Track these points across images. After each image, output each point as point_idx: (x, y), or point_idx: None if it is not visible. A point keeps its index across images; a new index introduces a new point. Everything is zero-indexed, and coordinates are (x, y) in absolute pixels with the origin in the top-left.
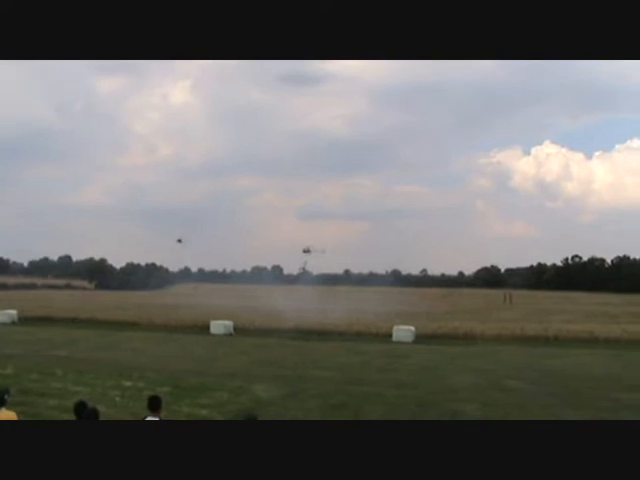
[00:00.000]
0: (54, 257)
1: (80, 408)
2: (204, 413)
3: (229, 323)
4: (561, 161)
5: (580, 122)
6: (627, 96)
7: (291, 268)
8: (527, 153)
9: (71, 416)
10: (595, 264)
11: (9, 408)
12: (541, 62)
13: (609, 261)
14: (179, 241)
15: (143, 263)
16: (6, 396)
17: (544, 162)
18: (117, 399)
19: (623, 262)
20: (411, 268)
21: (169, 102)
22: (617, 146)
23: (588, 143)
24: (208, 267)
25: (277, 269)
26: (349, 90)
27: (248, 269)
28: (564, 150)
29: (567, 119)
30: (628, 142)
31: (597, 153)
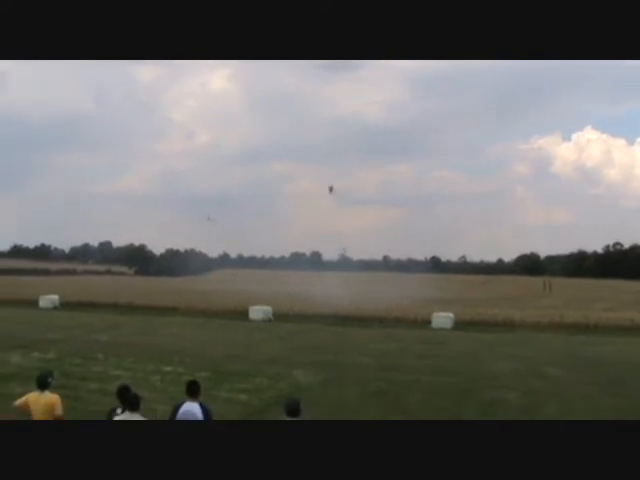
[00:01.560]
0: (94, 243)
1: (123, 392)
2: (243, 398)
3: (268, 309)
4: (602, 147)
5: (621, 107)
6: None
7: (330, 254)
8: (567, 139)
9: (112, 399)
10: (637, 251)
11: (52, 391)
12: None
13: None
14: (208, 219)
15: (182, 249)
16: (50, 379)
17: (585, 148)
18: (157, 384)
19: None
20: (450, 254)
21: (207, 90)
22: None
23: (630, 128)
24: (247, 253)
25: (316, 255)
26: (385, 76)
27: (287, 255)
28: (605, 136)
29: (607, 105)
30: None
31: (639, 139)
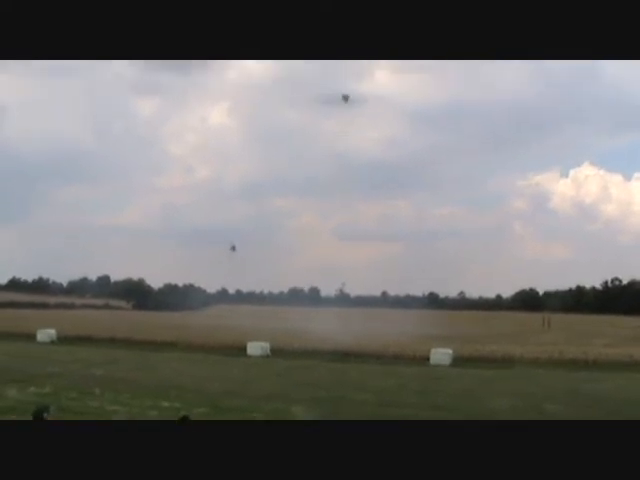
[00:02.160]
0: (93, 277)
1: None
2: None
3: (266, 345)
4: (600, 183)
5: (618, 143)
6: None
7: (328, 290)
8: (565, 175)
9: None
10: (635, 287)
11: None
12: (575, 82)
13: None
14: (232, 249)
15: (181, 284)
16: (45, 414)
17: (583, 184)
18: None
19: None
20: (448, 290)
21: (206, 124)
22: None
23: (627, 164)
24: (245, 289)
25: (314, 291)
26: (384, 111)
27: (285, 290)
28: (602, 172)
29: (605, 140)
30: None
31: (636, 174)
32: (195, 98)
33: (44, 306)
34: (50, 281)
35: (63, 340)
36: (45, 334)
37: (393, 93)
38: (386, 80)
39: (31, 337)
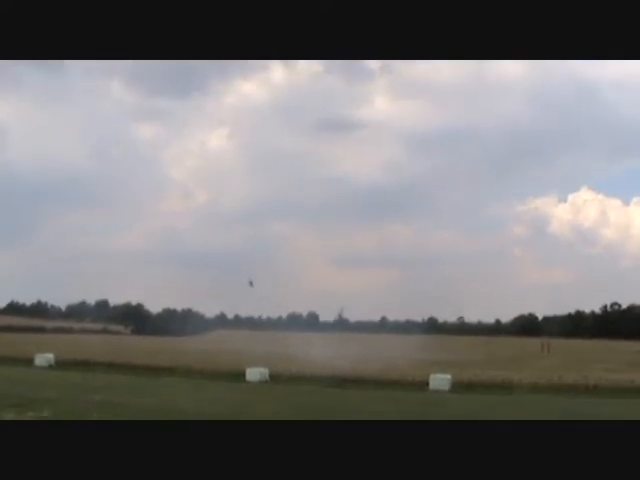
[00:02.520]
0: (91, 301)
1: None
2: None
3: (264, 370)
4: (598, 207)
5: (616, 167)
6: None
7: (327, 315)
8: (564, 200)
9: None
10: (634, 311)
11: None
12: (573, 107)
13: None
14: (250, 284)
15: (179, 309)
16: None
17: (581, 208)
18: None
19: None
20: (447, 316)
21: (205, 149)
22: None
23: (625, 189)
24: (244, 314)
25: (313, 316)
26: (383, 137)
27: (284, 316)
28: (601, 196)
29: (603, 165)
30: None
31: (635, 199)
32: (194, 123)
33: (42, 330)
34: (48, 305)
35: (61, 365)
36: (43, 358)
37: (392, 118)
38: (385, 105)
39: (29, 361)
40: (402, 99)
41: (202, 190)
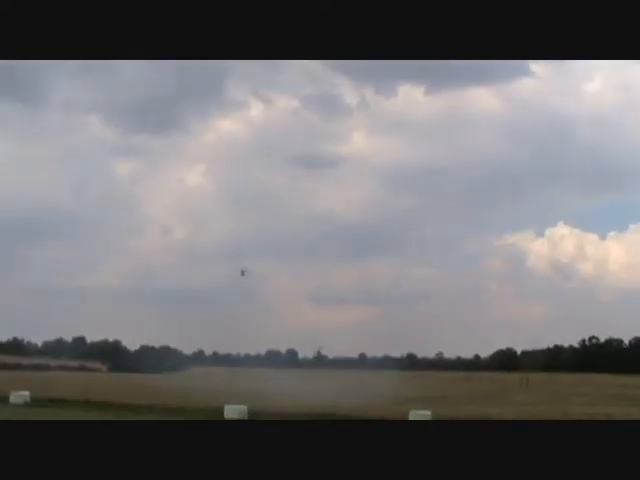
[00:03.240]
0: (68, 338)
1: None
2: None
3: (243, 407)
4: (575, 242)
5: (592, 203)
6: (637, 175)
7: (306, 352)
8: (541, 235)
9: None
10: (613, 345)
11: None
12: (549, 143)
13: (627, 342)
14: (242, 273)
15: (157, 345)
16: None
17: (558, 243)
18: None
19: None
20: (426, 351)
21: (184, 185)
22: (631, 226)
23: (602, 223)
24: (222, 350)
25: (291, 353)
26: (361, 173)
27: (262, 353)
28: (578, 231)
29: (579, 200)
30: None
31: (611, 233)
32: (173, 159)
33: (18, 367)
34: (25, 342)
35: (37, 402)
36: (18, 396)
37: (370, 154)
38: (363, 142)
39: (4, 399)
40: (380, 135)
41: (181, 227)
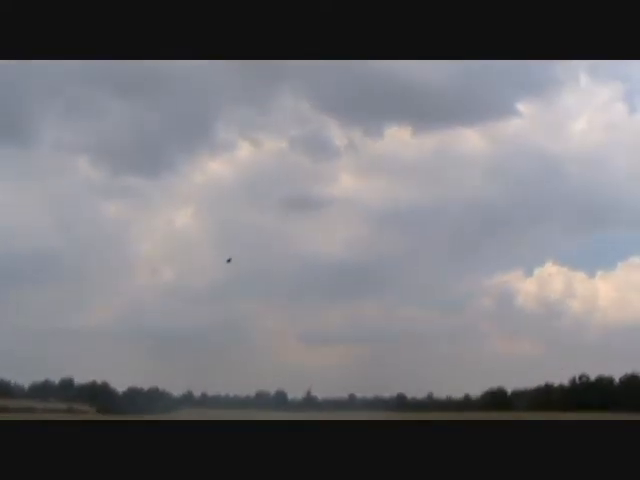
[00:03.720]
0: (55, 380)
1: None
2: None
3: None
4: (564, 280)
5: (580, 241)
6: (624, 213)
7: (295, 393)
8: (530, 273)
9: None
10: (603, 383)
11: None
12: (536, 182)
13: (617, 379)
14: (228, 261)
15: (145, 387)
16: None
17: (547, 282)
18: None
19: (631, 380)
20: (416, 392)
21: (172, 226)
22: (619, 263)
23: (590, 261)
24: (211, 392)
25: (281, 394)
26: (349, 213)
27: (251, 394)
28: (566, 269)
29: (567, 238)
30: (629, 259)
31: (599, 271)
32: (161, 200)
33: (5, 410)
34: (12, 384)
35: None
36: None
37: (358, 195)
38: (350, 182)
39: None
40: (367, 176)
41: (169, 267)
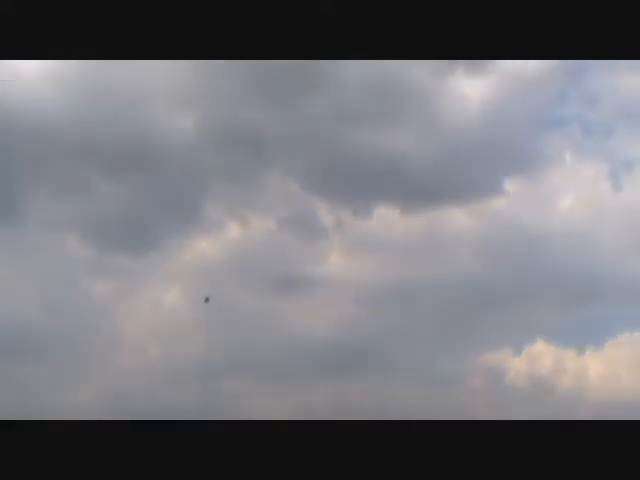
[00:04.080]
0: None
1: None
2: None
3: None
4: (553, 357)
5: (569, 318)
6: (611, 289)
7: None
8: (519, 351)
9: None
10: None
11: None
12: (523, 259)
13: None
14: (206, 300)
15: None
16: None
17: (537, 359)
18: None
19: None
20: None
21: (160, 305)
22: (608, 340)
23: (579, 338)
24: None
25: None
26: (338, 293)
27: None
28: (555, 346)
29: (555, 315)
30: (618, 335)
31: (589, 347)
32: (149, 279)
33: None
34: None
35: None
36: None
37: (347, 275)
38: (340, 262)
39: None
40: (357, 256)
41: (155, 347)
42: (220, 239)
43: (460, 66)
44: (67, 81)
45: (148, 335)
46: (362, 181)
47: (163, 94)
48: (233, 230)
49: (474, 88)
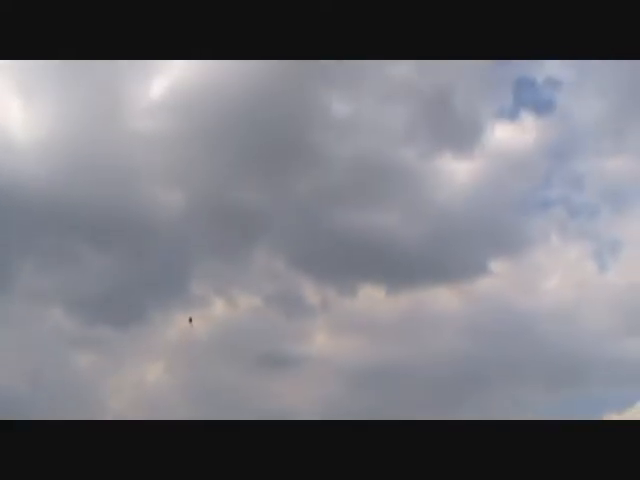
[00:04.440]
0: None
1: None
2: None
3: None
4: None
5: (557, 399)
6: (597, 371)
7: None
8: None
9: None
10: None
11: None
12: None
13: None
14: (190, 320)
15: None
16: None
17: None
18: None
19: None
20: None
21: (144, 379)
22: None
23: (565, 417)
24: None
25: None
26: (323, 372)
27: None
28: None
29: (543, 396)
30: (605, 418)
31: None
32: (133, 353)
33: None
34: None
35: None
36: None
37: (332, 354)
38: (325, 341)
39: None
40: (342, 334)
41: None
42: (205, 315)
43: (447, 149)
44: (56, 152)
45: (131, 409)
46: (348, 260)
47: (152, 170)
48: (219, 306)
49: (461, 170)
